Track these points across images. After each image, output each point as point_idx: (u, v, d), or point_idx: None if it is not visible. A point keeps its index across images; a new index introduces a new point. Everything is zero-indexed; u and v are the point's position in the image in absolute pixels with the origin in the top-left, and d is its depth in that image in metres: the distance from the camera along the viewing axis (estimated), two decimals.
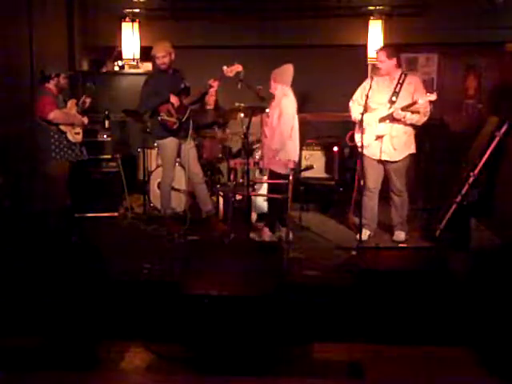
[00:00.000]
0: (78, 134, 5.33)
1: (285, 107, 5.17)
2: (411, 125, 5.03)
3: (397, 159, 5.08)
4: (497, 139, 5.14)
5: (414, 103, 4.86)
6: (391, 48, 5.18)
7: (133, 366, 3.42)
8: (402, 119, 4.95)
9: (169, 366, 3.42)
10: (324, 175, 6.55)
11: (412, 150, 5.14)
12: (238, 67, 5.29)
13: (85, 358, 3.51)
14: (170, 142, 5.60)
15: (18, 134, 5.54)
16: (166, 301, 3.84)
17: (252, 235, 5.13)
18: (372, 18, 6.94)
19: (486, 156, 5.16)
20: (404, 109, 4.91)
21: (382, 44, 6.59)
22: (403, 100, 4.97)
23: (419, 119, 4.98)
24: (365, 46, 6.86)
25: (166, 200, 5.77)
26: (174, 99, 5.49)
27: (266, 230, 5.32)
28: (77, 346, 3.61)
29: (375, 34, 6.90)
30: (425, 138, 6.55)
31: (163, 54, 5.48)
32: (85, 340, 3.67)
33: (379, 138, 5.02)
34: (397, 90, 5.00)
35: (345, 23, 7.05)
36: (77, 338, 3.68)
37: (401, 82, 5.02)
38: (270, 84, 5.28)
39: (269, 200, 5.48)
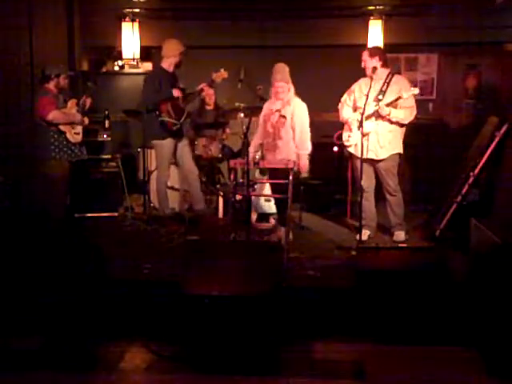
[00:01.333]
0: (77, 134, 5.30)
1: (300, 105, 5.16)
2: (397, 123, 5.07)
3: (382, 157, 5.11)
4: (497, 139, 5.13)
5: (399, 98, 4.93)
6: (374, 48, 5.34)
7: (133, 365, 3.42)
8: (387, 116, 5.00)
9: (169, 365, 3.42)
10: (324, 175, 6.54)
11: (399, 149, 5.16)
12: (224, 74, 5.43)
13: (85, 358, 3.52)
14: (168, 143, 5.61)
15: (18, 134, 5.54)
16: (166, 301, 3.84)
17: (268, 237, 5.04)
18: (372, 17, 6.95)
19: (486, 156, 5.16)
20: (389, 104, 4.96)
21: (378, 45, 6.59)
22: (389, 99, 5.04)
23: (405, 117, 5.03)
24: (365, 46, 6.85)
25: (163, 199, 5.78)
26: (176, 92, 5.47)
27: (282, 229, 5.17)
28: (77, 346, 3.61)
29: (375, 34, 6.90)
30: (425, 137, 6.57)
31: (183, 50, 5.51)
32: (85, 340, 3.67)
33: (365, 135, 5.04)
34: (383, 88, 5.06)
35: (345, 23, 7.05)
36: (77, 338, 3.68)
37: (387, 81, 5.08)
38: (276, 86, 5.11)
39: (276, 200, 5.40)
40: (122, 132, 7.08)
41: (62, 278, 3.93)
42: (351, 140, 5.20)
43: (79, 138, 5.32)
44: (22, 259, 4.07)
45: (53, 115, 5.12)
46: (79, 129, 5.33)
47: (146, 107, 5.56)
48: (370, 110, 5.04)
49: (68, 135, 5.23)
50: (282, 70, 5.15)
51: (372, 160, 5.13)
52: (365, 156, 5.07)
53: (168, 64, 5.58)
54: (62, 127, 5.19)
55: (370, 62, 5.05)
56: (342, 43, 7.04)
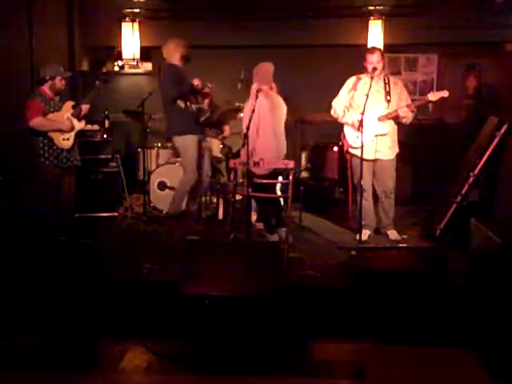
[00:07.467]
0: (67, 139, 5.02)
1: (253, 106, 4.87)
2: (398, 124, 5.18)
3: (390, 157, 5.19)
4: (497, 139, 5.14)
5: (427, 100, 5.02)
6: (380, 49, 5.36)
7: (133, 365, 3.42)
8: (404, 118, 5.07)
9: (169, 365, 3.43)
10: (324, 175, 6.54)
11: (398, 148, 5.27)
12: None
13: (85, 357, 3.52)
14: (195, 140, 5.45)
15: (18, 134, 5.53)
16: (166, 301, 3.84)
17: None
18: (372, 17, 6.94)
19: (486, 156, 5.16)
20: (410, 106, 5.06)
21: (378, 45, 6.58)
22: (394, 99, 5.12)
23: (410, 117, 5.13)
24: (365, 46, 6.85)
25: (180, 202, 5.60)
26: (196, 81, 5.40)
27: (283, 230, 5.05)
28: (77, 346, 3.61)
29: (375, 34, 6.90)
30: (424, 137, 6.57)
31: (180, 42, 5.48)
32: (85, 340, 3.67)
33: (377, 136, 5.09)
34: (387, 89, 5.13)
35: (345, 23, 7.04)
36: (77, 337, 3.68)
37: (386, 82, 5.15)
38: None
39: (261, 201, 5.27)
40: (122, 132, 7.08)
41: (61, 277, 3.93)
42: (358, 142, 5.13)
43: (69, 143, 5.03)
44: (22, 259, 4.07)
45: (36, 122, 4.87)
46: (69, 135, 5.03)
47: (174, 100, 5.36)
48: (379, 111, 5.08)
49: (56, 141, 4.96)
50: (256, 68, 5.04)
51: (378, 161, 5.16)
52: (373, 157, 5.12)
53: (176, 60, 5.48)
54: (49, 133, 4.94)
55: (380, 64, 5.07)
56: (342, 43, 7.03)
